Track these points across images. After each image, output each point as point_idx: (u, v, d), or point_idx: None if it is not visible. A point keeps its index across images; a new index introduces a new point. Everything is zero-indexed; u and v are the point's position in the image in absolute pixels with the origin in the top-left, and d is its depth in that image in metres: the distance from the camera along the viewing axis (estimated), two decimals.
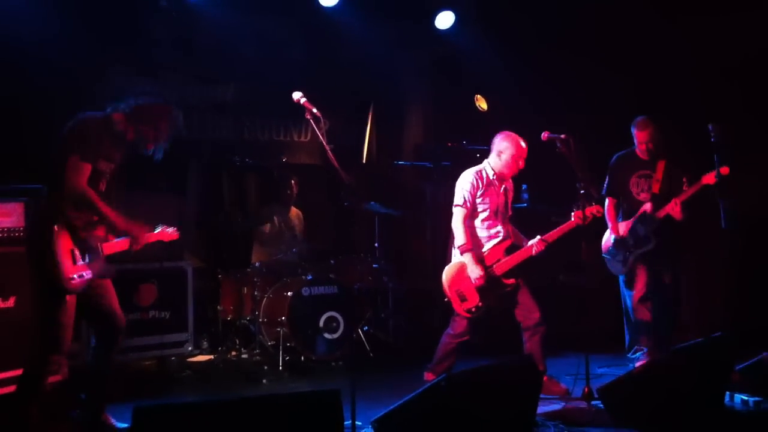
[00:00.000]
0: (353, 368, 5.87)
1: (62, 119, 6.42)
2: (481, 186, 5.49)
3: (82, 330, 6.13)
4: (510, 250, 5.48)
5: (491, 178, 5.52)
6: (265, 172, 7.78)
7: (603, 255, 6.32)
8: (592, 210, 5.29)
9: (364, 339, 6.88)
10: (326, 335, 6.48)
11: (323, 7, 7.38)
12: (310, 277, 6.62)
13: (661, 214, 5.94)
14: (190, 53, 7.26)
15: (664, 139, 6.07)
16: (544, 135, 5.45)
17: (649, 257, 6.04)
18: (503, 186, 5.56)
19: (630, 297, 6.21)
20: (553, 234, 5.42)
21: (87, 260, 4.33)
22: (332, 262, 7.08)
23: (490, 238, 5.50)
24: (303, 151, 8.28)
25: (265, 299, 6.57)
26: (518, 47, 7.82)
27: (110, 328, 4.47)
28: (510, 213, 5.64)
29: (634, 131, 6.15)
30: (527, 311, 5.42)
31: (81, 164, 4.21)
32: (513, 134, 5.51)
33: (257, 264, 6.95)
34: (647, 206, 6.03)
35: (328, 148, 4.67)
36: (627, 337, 6.41)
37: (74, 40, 6.27)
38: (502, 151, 5.51)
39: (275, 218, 7.37)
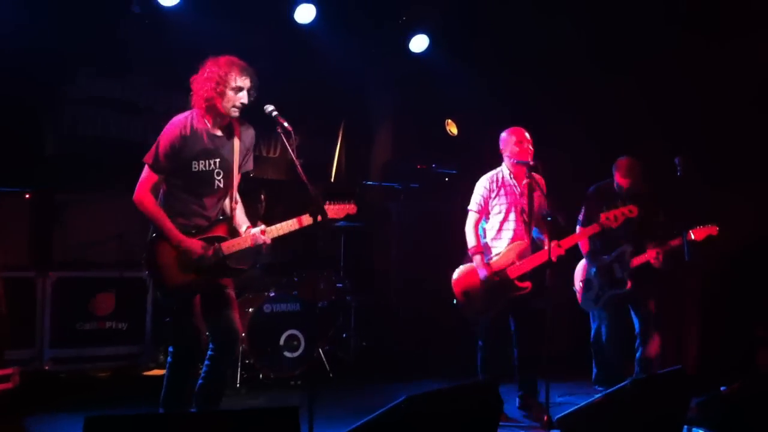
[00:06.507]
0: (312, 387, 5.78)
1: (28, 118, 6.25)
2: (494, 189, 5.52)
3: (36, 337, 6.00)
4: (525, 253, 5.45)
5: (507, 179, 5.55)
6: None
7: (574, 288, 6.25)
8: (623, 210, 5.37)
9: (324, 358, 6.79)
10: (286, 353, 6.39)
11: (297, 21, 7.33)
12: (272, 294, 6.52)
13: (641, 260, 5.84)
14: (162, 58, 7.17)
15: (644, 180, 5.94)
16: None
17: (622, 298, 5.95)
18: (527, 186, 5.38)
19: (599, 331, 6.22)
20: (571, 239, 5.47)
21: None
22: (296, 279, 6.98)
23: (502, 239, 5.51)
24: (270, 166, 8.22)
25: None
26: (492, 74, 7.83)
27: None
28: (541, 215, 5.43)
29: (615, 172, 6.01)
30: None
31: (147, 171, 4.20)
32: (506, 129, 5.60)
33: None
34: (627, 248, 5.90)
35: (298, 163, 4.60)
36: (594, 369, 6.40)
37: (45, 40, 6.18)
38: (504, 146, 5.57)
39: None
